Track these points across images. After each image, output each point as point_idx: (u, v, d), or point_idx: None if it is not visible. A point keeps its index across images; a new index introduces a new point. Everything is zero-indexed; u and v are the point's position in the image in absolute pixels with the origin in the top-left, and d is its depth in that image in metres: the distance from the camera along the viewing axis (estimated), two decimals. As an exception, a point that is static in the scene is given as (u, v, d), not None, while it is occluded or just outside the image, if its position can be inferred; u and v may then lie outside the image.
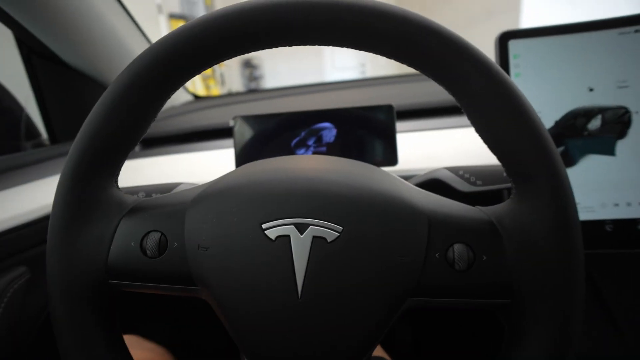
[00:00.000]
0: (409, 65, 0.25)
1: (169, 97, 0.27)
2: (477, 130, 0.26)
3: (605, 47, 0.41)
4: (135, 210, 0.28)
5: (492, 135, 0.25)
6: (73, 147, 0.26)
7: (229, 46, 0.25)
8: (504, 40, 0.43)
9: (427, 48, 0.23)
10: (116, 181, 0.29)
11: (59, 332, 0.26)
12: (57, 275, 0.26)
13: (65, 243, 0.26)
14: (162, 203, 0.28)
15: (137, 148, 0.75)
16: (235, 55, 0.26)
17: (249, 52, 0.26)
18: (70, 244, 0.26)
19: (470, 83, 0.24)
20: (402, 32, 0.23)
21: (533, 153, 0.23)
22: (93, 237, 0.26)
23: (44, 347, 0.50)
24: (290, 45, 0.26)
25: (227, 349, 0.60)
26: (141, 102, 0.26)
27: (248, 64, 7.26)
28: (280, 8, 0.24)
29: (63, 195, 0.26)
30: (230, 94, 0.99)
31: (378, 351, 0.50)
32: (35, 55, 0.60)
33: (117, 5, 0.64)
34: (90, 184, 0.26)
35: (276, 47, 0.26)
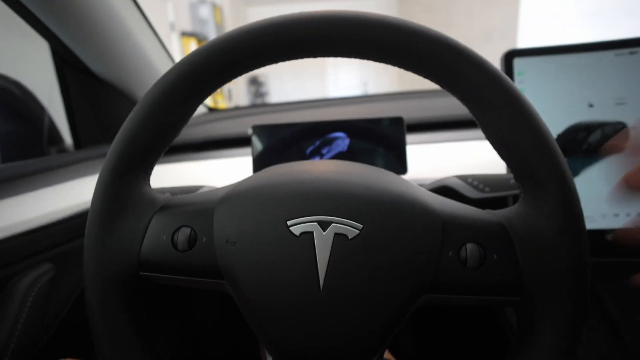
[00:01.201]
0: (424, 76, 0.27)
1: (199, 105, 0.29)
2: (488, 137, 0.27)
3: (603, 66, 0.44)
4: (167, 207, 0.30)
5: (502, 142, 0.26)
6: (112, 149, 0.28)
7: (246, 62, 0.27)
8: (509, 58, 0.46)
9: (443, 60, 0.25)
10: (149, 180, 0.31)
11: (91, 317, 0.28)
12: (94, 264, 0.28)
13: (103, 235, 0.28)
14: (191, 201, 0.30)
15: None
16: (250, 70, 0.28)
17: (269, 64, 0.28)
18: (106, 237, 0.28)
19: (481, 92, 0.25)
20: (418, 46, 0.25)
21: (542, 159, 0.25)
22: (128, 231, 0.28)
23: (63, 342, 0.52)
24: (315, 56, 0.27)
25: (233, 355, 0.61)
26: (174, 110, 0.28)
27: (254, 81, 7.38)
28: (308, 22, 0.25)
29: (102, 191, 0.28)
30: (241, 107, 1.02)
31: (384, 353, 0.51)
32: (68, 66, 0.64)
33: (144, 23, 0.68)
34: (126, 182, 0.28)
35: (302, 58, 0.28)
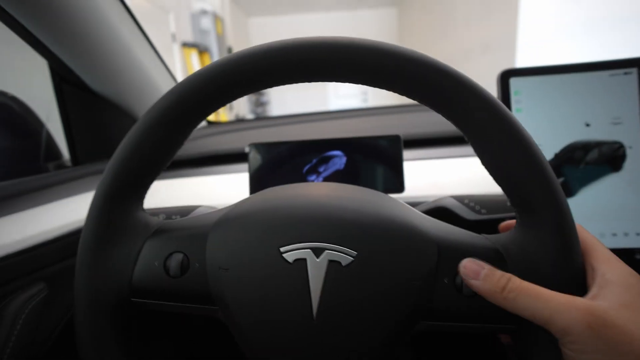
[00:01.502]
0: (419, 101, 0.27)
1: (192, 130, 0.29)
2: (483, 163, 0.27)
3: (598, 86, 0.44)
4: (160, 231, 0.29)
5: (497, 168, 0.26)
6: (106, 172, 0.28)
7: (242, 86, 0.27)
8: (505, 77, 0.46)
9: (436, 87, 0.25)
10: (142, 204, 0.31)
11: (80, 343, 0.28)
12: (84, 290, 0.27)
13: (95, 260, 0.27)
14: (185, 226, 0.30)
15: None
16: (250, 93, 0.28)
17: (266, 88, 0.28)
18: (98, 262, 0.27)
19: (475, 118, 0.25)
20: (413, 72, 0.25)
21: (536, 186, 0.25)
22: (120, 256, 0.28)
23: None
24: (301, 82, 0.28)
25: None
26: (168, 135, 0.28)
27: (255, 90, 7.43)
28: (301, 48, 0.25)
29: (95, 216, 0.28)
30: (241, 120, 1.03)
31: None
32: (66, 83, 0.64)
33: (143, 39, 0.68)
34: (120, 207, 0.28)
35: (291, 83, 0.28)
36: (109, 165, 0.28)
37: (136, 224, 0.29)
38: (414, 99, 0.27)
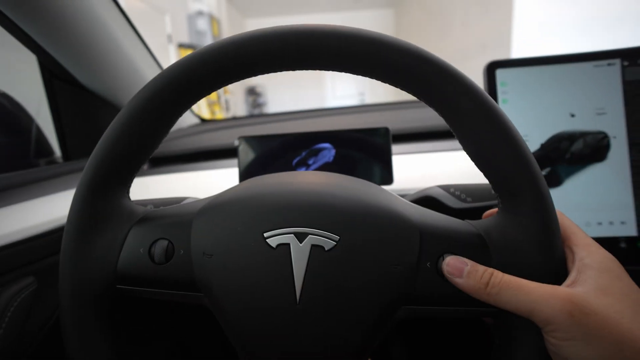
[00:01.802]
0: (403, 89, 0.27)
1: (178, 117, 0.29)
2: (466, 150, 0.27)
3: (583, 77, 0.44)
4: (145, 219, 0.29)
5: (479, 155, 0.27)
6: (90, 162, 0.28)
7: (227, 74, 0.27)
8: (492, 69, 0.47)
9: (422, 75, 0.25)
10: (128, 192, 0.31)
11: (66, 333, 0.28)
12: (69, 278, 0.27)
13: (79, 249, 0.27)
14: (170, 213, 0.30)
15: (145, 166, 0.78)
16: (236, 80, 0.28)
17: (249, 77, 0.28)
18: (83, 250, 0.28)
19: (460, 107, 0.25)
20: (399, 61, 0.25)
21: (517, 171, 0.25)
22: (105, 244, 0.28)
23: (48, 357, 0.51)
24: (290, 70, 0.28)
25: None
26: (152, 122, 0.28)
27: (252, 91, 7.44)
28: (290, 35, 0.25)
29: (79, 204, 0.28)
30: (235, 118, 1.03)
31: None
32: (56, 78, 0.64)
33: (134, 34, 0.69)
34: (104, 195, 0.28)
35: (279, 71, 0.28)
36: (93, 153, 0.28)
37: (121, 211, 0.29)
38: (395, 86, 0.27)
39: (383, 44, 0.25)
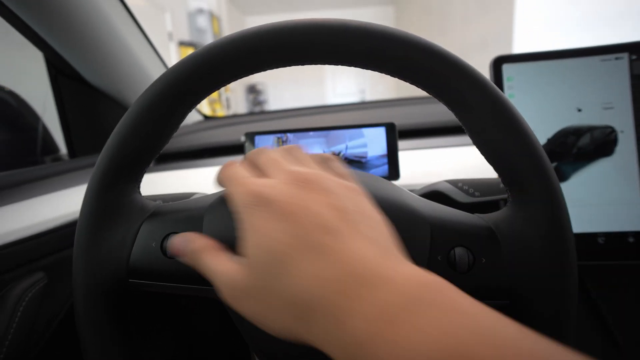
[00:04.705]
0: (413, 83, 0.27)
1: (187, 113, 0.29)
2: (475, 143, 0.27)
3: (590, 71, 0.44)
4: (156, 214, 0.30)
5: (489, 148, 0.27)
6: (101, 157, 0.28)
7: (235, 70, 0.27)
8: (498, 64, 0.47)
9: (430, 68, 0.25)
10: (138, 188, 0.31)
11: (80, 325, 0.28)
12: (82, 272, 0.27)
13: (92, 243, 0.28)
14: (181, 208, 0.30)
15: (151, 163, 0.78)
16: (241, 77, 0.28)
17: (255, 72, 0.28)
18: (95, 245, 0.28)
19: (468, 100, 0.25)
20: (407, 54, 0.25)
21: (527, 164, 0.25)
22: (117, 238, 0.28)
23: (56, 352, 0.51)
24: (297, 65, 0.28)
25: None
26: (162, 118, 0.28)
27: (253, 89, 7.42)
28: (292, 30, 0.26)
29: (91, 200, 0.28)
30: (237, 115, 1.03)
31: None
32: (62, 75, 0.64)
33: (138, 32, 0.69)
34: (115, 190, 0.28)
35: (282, 67, 0.28)
36: (104, 150, 0.28)
37: (132, 206, 0.30)
38: (403, 80, 0.27)
39: (392, 38, 0.25)
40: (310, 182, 0.21)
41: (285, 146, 0.26)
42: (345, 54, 0.26)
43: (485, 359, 0.13)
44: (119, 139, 0.28)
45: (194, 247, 0.24)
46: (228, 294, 0.21)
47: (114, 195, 0.28)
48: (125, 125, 0.28)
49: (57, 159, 0.72)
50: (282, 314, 0.19)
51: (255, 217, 0.20)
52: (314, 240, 0.18)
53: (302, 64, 0.27)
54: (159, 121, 0.28)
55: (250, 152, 0.26)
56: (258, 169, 0.25)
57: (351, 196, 0.22)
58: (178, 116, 0.29)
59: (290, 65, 0.28)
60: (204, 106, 4.55)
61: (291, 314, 0.18)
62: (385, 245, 0.20)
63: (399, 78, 0.28)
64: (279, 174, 0.22)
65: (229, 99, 5.86)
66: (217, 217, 0.28)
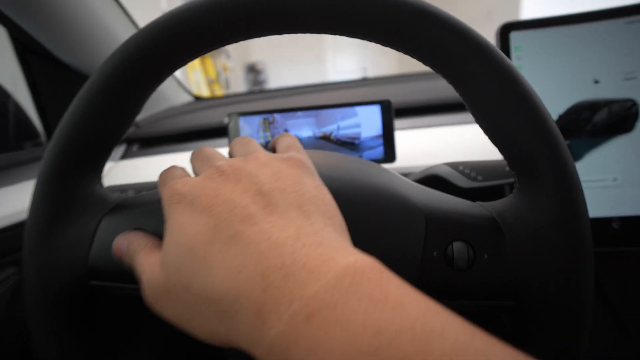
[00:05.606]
0: (406, 52, 0.24)
1: (156, 87, 0.26)
2: (478, 121, 0.24)
3: (611, 37, 0.39)
4: (118, 208, 0.27)
5: (493, 126, 0.23)
6: (51, 143, 0.24)
7: (217, 35, 0.23)
8: (505, 32, 0.42)
9: (420, 32, 0.22)
10: (99, 178, 0.28)
11: (35, 337, 0.25)
12: (33, 279, 0.24)
13: (42, 244, 0.24)
14: (145, 201, 0.27)
15: (135, 147, 0.75)
16: (225, 44, 0.25)
17: (239, 40, 0.25)
18: (47, 245, 0.24)
19: (471, 70, 0.22)
20: (394, 16, 0.22)
21: (537, 142, 0.22)
22: (72, 236, 0.25)
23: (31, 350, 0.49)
24: (280, 33, 0.24)
25: None
26: (125, 92, 0.24)
27: (252, 69, 7.30)
28: None
29: (41, 193, 0.25)
30: (229, 95, 0.99)
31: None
32: (30, 54, 0.60)
33: (115, 5, 0.63)
34: (70, 182, 0.25)
35: (270, 35, 0.25)
36: (55, 133, 0.24)
37: (91, 200, 0.26)
38: (396, 49, 0.24)
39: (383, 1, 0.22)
40: (226, 173, 0.20)
41: (237, 138, 0.25)
42: (327, 21, 0.23)
43: (408, 355, 0.12)
44: (72, 122, 0.24)
45: (133, 247, 0.23)
46: (148, 295, 0.20)
47: (68, 187, 0.25)
48: (79, 106, 0.24)
49: (39, 144, 0.69)
50: (206, 315, 0.17)
51: (174, 214, 0.20)
52: (230, 229, 0.17)
53: (282, 32, 0.24)
54: (118, 100, 0.24)
55: (192, 153, 0.25)
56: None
57: (282, 177, 0.20)
58: (144, 92, 0.25)
59: (273, 34, 0.24)
60: (202, 87, 4.47)
61: (215, 314, 0.17)
62: (313, 226, 0.18)
63: (390, 47, 0.24)
64: (204, 170, 0.22)
65: (229, 79, 5.77)
66: None
